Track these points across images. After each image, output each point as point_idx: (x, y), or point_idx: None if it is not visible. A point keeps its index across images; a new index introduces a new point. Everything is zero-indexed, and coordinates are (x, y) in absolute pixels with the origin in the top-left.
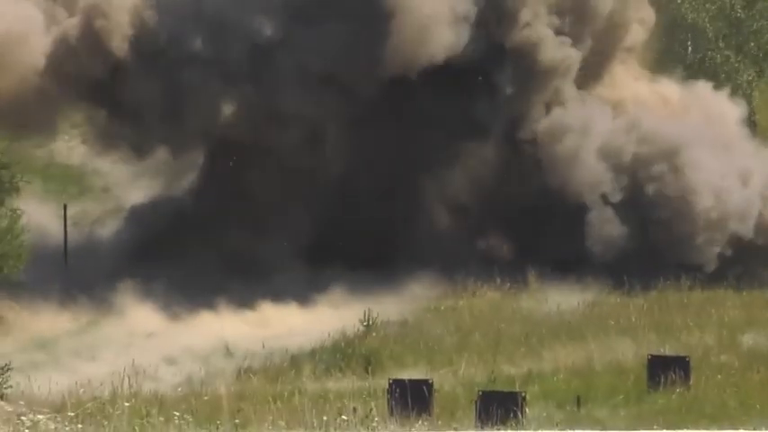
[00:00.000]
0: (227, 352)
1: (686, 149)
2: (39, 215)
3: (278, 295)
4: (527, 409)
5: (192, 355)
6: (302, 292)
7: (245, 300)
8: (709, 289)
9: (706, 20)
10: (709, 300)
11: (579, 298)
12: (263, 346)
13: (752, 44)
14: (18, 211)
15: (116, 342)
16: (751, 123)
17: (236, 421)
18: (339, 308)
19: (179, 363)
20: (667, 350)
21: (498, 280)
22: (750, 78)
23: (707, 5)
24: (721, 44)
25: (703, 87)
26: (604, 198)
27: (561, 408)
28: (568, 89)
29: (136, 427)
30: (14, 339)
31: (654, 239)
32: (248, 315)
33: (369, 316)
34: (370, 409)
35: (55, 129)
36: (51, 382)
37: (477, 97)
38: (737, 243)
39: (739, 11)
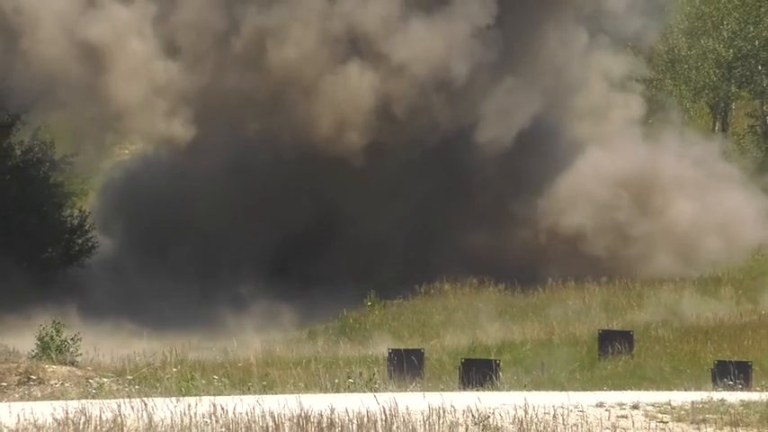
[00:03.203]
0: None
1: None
2: None
3: None
4: (501, 374)
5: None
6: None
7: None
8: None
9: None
10: (647, 284)
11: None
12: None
13: (693, 76)
14: (87, 212)
15: None
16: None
17: (264, 383)
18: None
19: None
20: (614, 326)
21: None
22: (688, 106)
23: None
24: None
25: None
26: None
27: (528, 372)
28: None
29: (182, 388)
30: None
31: None
32: None
33: (372, 297)
34: (373, 373)
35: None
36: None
37: None
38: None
39: (684, 49)
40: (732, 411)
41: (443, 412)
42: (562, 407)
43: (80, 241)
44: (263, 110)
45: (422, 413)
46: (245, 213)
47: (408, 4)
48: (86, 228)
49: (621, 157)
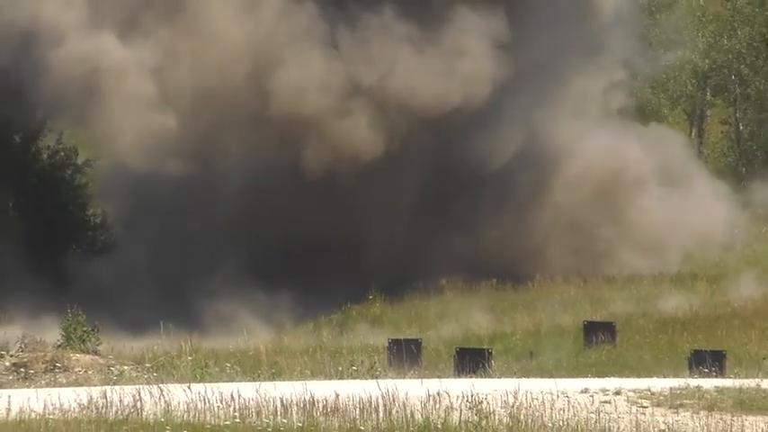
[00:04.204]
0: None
1: None
2: None
3: None
4: (493, 362)
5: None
6: None
7: None
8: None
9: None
10: (628, 279)
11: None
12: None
13: (671, 86)
14: (107, 211)
15: None
16: None
17: (273, 371)
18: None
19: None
20: (598, 317)
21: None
22: (667, 113)
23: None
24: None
25: None
26: None
27: (518, 361)
28: None
29: (197, 375)
30: None
31: None
32: None
33: (373, 292)
34: (374, 362)
35: None
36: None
37: None
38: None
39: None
40: (707, 397)
41: (440, 397)
42: (550, 393)
43: (102, 238)
44: (262, 152)
45: (420, 398)
46: (251, 218)
47: (411, 40)
48: (107, 226)
49: (594, 155)
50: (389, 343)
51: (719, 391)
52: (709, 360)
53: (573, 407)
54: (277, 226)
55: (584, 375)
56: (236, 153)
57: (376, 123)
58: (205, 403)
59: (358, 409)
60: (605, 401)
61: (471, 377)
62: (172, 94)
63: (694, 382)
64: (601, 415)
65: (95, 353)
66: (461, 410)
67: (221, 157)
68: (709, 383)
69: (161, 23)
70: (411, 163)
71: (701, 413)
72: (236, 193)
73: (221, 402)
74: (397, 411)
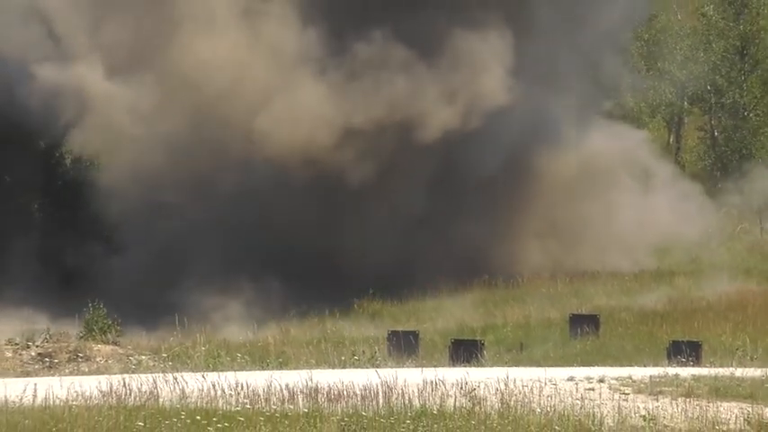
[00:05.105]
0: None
1: None
2: None
3: None
4: (485, 352)
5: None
6: None
7: None
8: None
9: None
10: (611, 275)
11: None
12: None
13: (650, 95)
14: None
15: None
16: None
17: (280, 360)
18: None
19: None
20: (583, 310)
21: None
22: (647, 120)
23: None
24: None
25: None
26: None
27: (509, 351)
28: None
29: (210, 365)
30: None
31: None
32: None
33: (373, 289)
34: (375, 352)
35: None
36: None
37: None
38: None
39: (643, 71)
40: (685, 384)
41: (436, 385)
42: (538, 380)
43: (119, 238)
44: (259, 178)
45: (417, 386)
46: (251, 224)
47: (407, 67)
48: (124, 225)
49: (575, 158)
50: (389, 334)
51: (696, 379)
52: (686, 350)
53: (560, 394)
54: (278, 231)
55: (570, 364)
56: (229, 183)
57: (370, 153)
58: (217, 390)
59: (360, 395)
60: (590, 389)
61: (465, 366)
62: (162, 128)
63: (672, 370)
64: (585, 401)
65: (115, 343)
66: (456, 397)
67: (213, 188)
68: (686, 372)
69: (153, 57)
70: (406, 177)
71: (679, 400)
72: (234, 202)
73: (232, 390)
74: (396, 398)
